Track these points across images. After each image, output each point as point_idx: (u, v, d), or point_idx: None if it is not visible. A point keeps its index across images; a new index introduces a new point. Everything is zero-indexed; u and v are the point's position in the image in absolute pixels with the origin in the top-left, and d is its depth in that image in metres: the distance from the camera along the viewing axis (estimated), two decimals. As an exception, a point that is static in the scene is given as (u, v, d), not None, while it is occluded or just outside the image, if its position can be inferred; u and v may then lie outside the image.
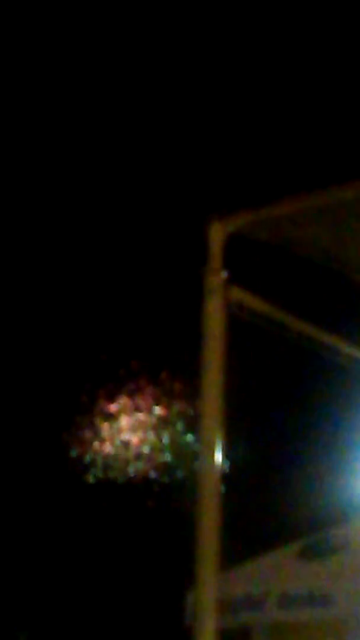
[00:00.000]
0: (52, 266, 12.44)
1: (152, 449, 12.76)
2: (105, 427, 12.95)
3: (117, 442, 12.93)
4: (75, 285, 12.58)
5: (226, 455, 4.09)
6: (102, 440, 12.94)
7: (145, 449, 12.81)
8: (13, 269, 12.36)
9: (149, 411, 12.85)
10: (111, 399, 12.93)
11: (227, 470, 4.05)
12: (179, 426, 12.43)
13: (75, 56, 11.76)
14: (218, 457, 4.05)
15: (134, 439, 12.91)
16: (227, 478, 4.10)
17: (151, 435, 12.82)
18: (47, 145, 12.05)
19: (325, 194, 4.25)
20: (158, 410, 12.79)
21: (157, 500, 12.68)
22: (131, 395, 12.86)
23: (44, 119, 12.00)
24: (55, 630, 12.81)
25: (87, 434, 12.91)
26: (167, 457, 12.57)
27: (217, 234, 4.20)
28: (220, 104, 11.82)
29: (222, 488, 4.07)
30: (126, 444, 12.91)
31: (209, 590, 4.00)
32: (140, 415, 12.90)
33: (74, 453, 12.92)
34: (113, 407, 12.90)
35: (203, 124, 11.83)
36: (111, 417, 12.93)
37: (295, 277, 8.92)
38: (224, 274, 4.16)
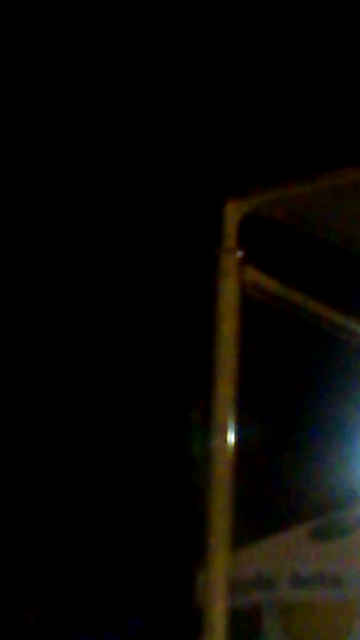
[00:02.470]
0: (62, 246, 12.44)
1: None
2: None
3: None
4: (90, 265, 12.58)
5: (238, 436, 4.09)
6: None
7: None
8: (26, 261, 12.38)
9: (163, 388, 12.85)
10: (124, 380, 12.93)
11: (239, 451, 4.03)
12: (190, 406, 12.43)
13: (87, 37, 11.72)
14: (230, 437, 4.05)
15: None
16: (239, 459, 4.09)
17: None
18: (59, 127, 12.03)
19: (342, 174, 4.22)
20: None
21: (169, 480, 12.70)
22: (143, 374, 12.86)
23: (60, 100, 11.98)
24: (65, 609, 12.87)
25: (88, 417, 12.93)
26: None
27: (232, 214, 4.18)
28: (238, 82, 11.76)
29: (234, 469, 4.07)
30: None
31: (220, 569, 4.00)
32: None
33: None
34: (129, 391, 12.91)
35: (219, 103, 11.78)
36: (122, 403, 12.95)
37: (310, 258, 8.89)
38: (238, 254, 4.14)
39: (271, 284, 4.26)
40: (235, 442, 4.07)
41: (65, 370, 12.90)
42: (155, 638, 12.28)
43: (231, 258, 4.12)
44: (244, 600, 6.39)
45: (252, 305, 4.14)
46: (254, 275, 4.18)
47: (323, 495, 9.79)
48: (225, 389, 4.06)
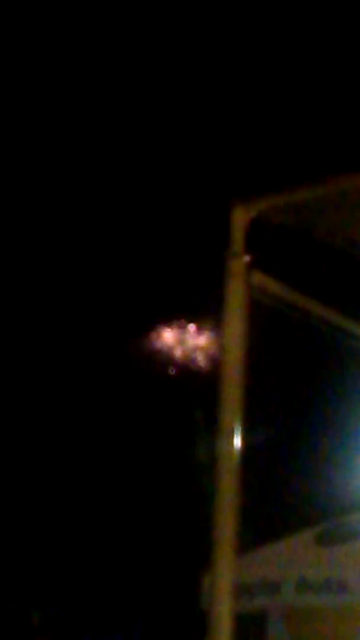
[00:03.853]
0: (73, 249, 12.46)
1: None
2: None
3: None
4: (97, 266, 12.59)
5: (245, 440, 4.09)
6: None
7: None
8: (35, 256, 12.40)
9: (170, 394, 12.86)
10: (129, 384, 12.94)
11: (246, 455, 4.04)
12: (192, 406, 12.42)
13: (91, 42, 11.74)
14: (237, 441, 4.05)
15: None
16: (245, 463, 4.09)
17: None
18: (64, 134, 12.05)
19: (348, 179, 4.23)
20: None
21: (175, 484, 12.70)
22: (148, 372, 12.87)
23: (64, 107, 12.00)
24: (70, 611, 12.87)
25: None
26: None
27: (239, 218, 4.18)
28: (245, 87, 11.77)
29: (240, 474, 4.07)
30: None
31: (225, 574, 4.00)
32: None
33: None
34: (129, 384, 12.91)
35: (227, 107, 11.79)
36: (132, 404, 12.95)
37: (317, 262, 8.89)
38: (246, 258, 4.14)
39: (278, 288, 4.26)
40: (242, 447, 4.08)
41: (67, 373, 12.91)
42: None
43: (238, 262, 4.13)
44: (249, 604, 6.38)
45: (259, 309, 4.15)
46: (260, 279, 4.18)
47: (329, 500, 9.78)
48: (232, 393, 4.07)
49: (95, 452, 12.96)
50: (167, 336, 12.77)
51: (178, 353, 12.72)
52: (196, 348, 12.08)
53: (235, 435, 4.05)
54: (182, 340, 12.56)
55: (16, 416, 12.69)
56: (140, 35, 11.68)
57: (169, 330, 12.70)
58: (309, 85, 11.51)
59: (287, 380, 11.95)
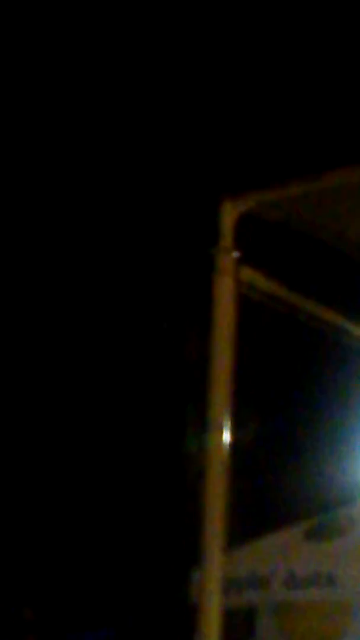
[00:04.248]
0: (55, 242, 12.44)
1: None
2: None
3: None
4: (85, 263, 12.58)
5: (234, 435, 4.10)
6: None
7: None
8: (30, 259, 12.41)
9: (159, 388, 12.87)
10: (122, 377, 12.95)
11: (235, 451, 4.05)
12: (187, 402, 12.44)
13: (82, 33, 11.72)
14: (226, 437, 4.06)
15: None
16: (234, 458, 4.10)
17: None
18: (54, 124, 12.03)
19: (338, 174, 4.24)
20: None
21: (163, 477, 12.72)
22: (141, 375, 12.88)
23: (55, 95, 11.97)
24: (60, 605, 12.88)
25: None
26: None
27: (228, 214, 4.19)
28: (234, 82, 11.77)
29: (229, 468, 4.08)
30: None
31: (214, 569, 4.01)
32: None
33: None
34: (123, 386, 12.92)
35: (215, 102, 11.78)
36: (121, 399, 12.96)
37: (306, 258, 8.90)
38: (234, 254, 4.15)
39: (267, 284, 4.27)
40: (231, 442, 4.09)
41: (60, 366, 12.91)
42: (151, 636, 12.30)
43: (227, 258, 4.13)
44: (238, 599, 6.39)
45: (248, 305, 4.15)
46: (250, 275, 4.19)
47: (318, 495, 9.81)
48: (221, 388, 4.07)
49: (84, 448, 12.96)
50: (154, 330, 12.77)
51: (167, 347, 12.73)
52: (185, 343, 12.10)
53: (224, 430, 4.06)
54: (170, 335, 12.57)
55: (7, 406, 12.68)
56: (129, 25, 11.67)
57: (156, 324, 12.70)
58: (299, 80, 11.51)
59: (275, 375, 11.97)
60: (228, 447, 4.07)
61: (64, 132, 12.07)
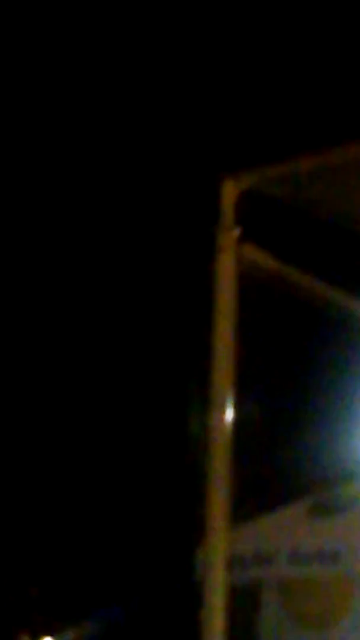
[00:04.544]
0: (62, 233, 12.44)
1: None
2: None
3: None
4: (86, 242, 12.57)
5: (236, 413, 4.10)
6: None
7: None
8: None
9: (161, 367, 12.87)
10: (122, 356, 12.95)
11: (237, 428, 4.06)
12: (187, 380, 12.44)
13: (81, 17, 11.66)
14: (228, 414, 4.06)
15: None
16: (237, 435, 4.10)
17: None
18: (56, 112, 12.00)
19: (339, 150, 4.22)
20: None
21: (167, 455, 12.74)
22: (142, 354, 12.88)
23: (54, 84, 11.94)
24: (66, 585, 12.93)
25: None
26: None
27: (229, 191, 4.17)
28: (233, 58, 11.71)
29: (232, 446, 4.08)
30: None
31: (219, 546, 4.02)
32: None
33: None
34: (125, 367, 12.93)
35: (216, 78, 11.74)
36: (123, 378, 12.97)
37: (308, 236, 8.88)
38: (236, 232, 4.14)
39: (268, 262, 4.26)
40: (233, 420, 4.09)
41: (62, 348, 12.92)
42: (157, 613, 12.35)
43: (228, 236, 4.12)
44: (242, 576, 6.42)
45: (249, 283, 4.15)
46: (251, 252, 4.18)
47: (321, 472, 9.82)
48: (223, 367, 4.07)
49: (87, 428, 12.98)
50: (156, 311, 12.76)
51: (169, 327, 12.73)
52: (187, 321, 12.10)
53: (226, 408, 4.06)
54: (172, 315, 12.56)
55: (11, 395, 12.71)
56: (129, 9, 11.61)
57: (158, 305, 12.69)
58: (300, 55, 11.45)
59: (277, 354, 11.97)
60: (231, 425, 4.07)
61: (62, 112, 12.03)
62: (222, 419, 4.05)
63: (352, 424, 7.81)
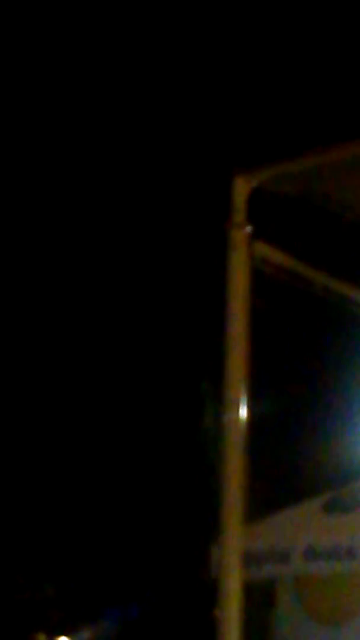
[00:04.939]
0: (76, 229, 12.45)
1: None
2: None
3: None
4: (102, 240, 12.58)
5: (250, 410, 4.10)
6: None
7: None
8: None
9: (175, 364, 12.88)
10: (137, 355, 12.97)
11: (252, 425, 4.06)
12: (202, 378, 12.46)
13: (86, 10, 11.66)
14: (243, 411, 4.06)
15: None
16: (252, 432, 4.11)
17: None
18: (67, 107, 12.01)
19: (350, 147, 4.22)
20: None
21: (182, 453, 12.75)
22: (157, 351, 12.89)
23: (60, 73, 11.94)
24: (81, 584, 12.96)
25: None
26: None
27: (240, 189, 4.18)
28: (244, 57, 11.71)
29: (247, 443, 4.09)
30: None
31: (234, 543, 4.03)
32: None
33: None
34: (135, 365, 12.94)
35: (228, 76, 11.73)
36: (132, 375, 12.98)
37: (320, 232, 8.87)
38: (248, 229, 4.14)
39: (281, 258, 4.26)
40: (248, 417, 4.09)
41: (79, 346, 12.94)
42: (173, 610, 12.37)
43: (240, 233, 4.13)
44: (258, 573, 6.41)
45: (261, 279, 4.15)
46: (263, 249, 4.19)
47: (337, 468, 9.81)
48: (237, 363, 4.08)
49: (103, 425, 13.00)
50: (170, 309, 12.77)
51: (182, 324, 12.73)
52: (200, 318, 12.10)
53: (240, 406, 4.06)
54: (185, 313, 12.57)
55: (19, 391, 12.74)
56: (137, 7, 11.62)
57: (171, 302, 12.70)
58: (310, 53, 11.44)
59: (291, 349, 11.96)
60: (245, 422, 4.08)
61: (74, 111, 12.04)
62: (236, 416, 4.05)
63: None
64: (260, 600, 6.64)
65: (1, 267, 12.32)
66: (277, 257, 4.24)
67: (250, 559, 6.09)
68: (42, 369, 12.91)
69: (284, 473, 11.33)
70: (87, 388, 12.99)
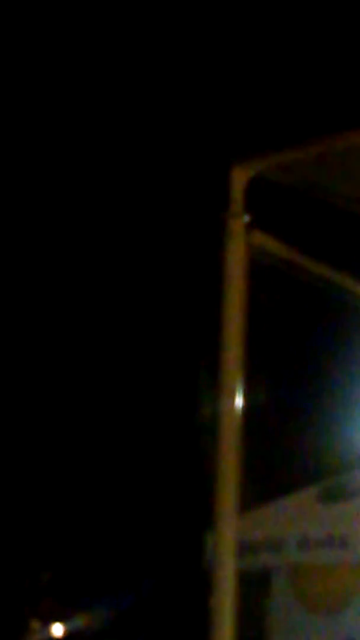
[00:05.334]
0: (67, 211, 12.43)
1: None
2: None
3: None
4: (98, 228, 12.57)
5: (246, 399, 4.10)
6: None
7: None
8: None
9: (171, 353, 12.88)
10: (133, 344, 12.97)
11: (247, 414, 4.07)
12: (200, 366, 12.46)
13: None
14: (238, 400, 4.06)
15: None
16: (246, 421, 4.11)
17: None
18: (69, 100, 11.98)
19: (348, 136, 4.21)
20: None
21: (178, 441, 12.76)
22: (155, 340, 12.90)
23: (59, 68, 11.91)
24: (76, 571, 12.97)
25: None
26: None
27: (238, 178, 4.17)
28: (242, 45, 11.67)
29: (242, 432, 4.08)
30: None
31: (228, 532, 4.03)
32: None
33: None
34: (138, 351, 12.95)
35: (224, 65, 11.70)
36: (128, 363, 12.98)
37: (317, 221, 8.86)
38: (245, 218, 4.13)
39: (278, 248, 4.26)
40: (243, 405, 4.09)
41: (74, 328, 12.94)
42: (167, 599, 12.39)
43: (238, 222, 4.12)
44: (252, 562, 6.43)
45: (259, 270, 4.14)
46: (260, 239, 4.18)
47: (331, 458, 9.83)
48: (233, 352, 4.07)
49: (98, 412, 13.01)
50: (166, 298, 12.76)
51: (178, 313, 12.73)
52: (197, 307, 12.09)
53: (236, 394, 4.06)
54: (182, 302, 12.56)
55: (18, 380, 12.74)
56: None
57: (167, 292, 12.69)
58: (308, 41, 11.41)
59: (287, 339, 11.97)
60: (241, 410, 4.08)
61: (72, 99, 12.01)
62: (231, 405, 4.05)
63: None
64: (254, 589, 6.65)
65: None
66: (275, 247, 4.24)
67: (244, 548, 6.10)
68: (38, 355, 12.92)
69: (279, 462, 11.34)
70: (84, 376, 12.99)
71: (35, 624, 13.11)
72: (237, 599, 4.00)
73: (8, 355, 12.63)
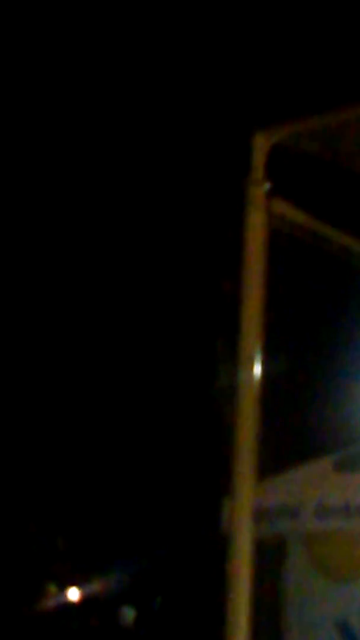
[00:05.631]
0: (84, 195, 12.42)
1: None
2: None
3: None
4: (117, 197, 12.55)
5: (265, 368, 4.11)
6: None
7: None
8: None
9: (191, 322, 12.89)
10: (152, 311, 12.98)
11: (266, 383, 4.08)
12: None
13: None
14: (257, 369, 4.07)
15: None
16: (265, 390, 4.11)
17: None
18: (86, 83, 11.94)
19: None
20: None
21: (196, 409, 12.79)
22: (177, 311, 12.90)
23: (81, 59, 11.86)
24: (92, 536, 13.05)
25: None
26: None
27: (260, 145, 4.15)
28: (264, 11, 11.58)
29: (260, 401, 4.09)
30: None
31: (245, 499, 4.05)
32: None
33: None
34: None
35: (247, 31, 11.62)
36: (148, 331, 12.99)
37: (338, 190, 8.82)
38: (266, 186, 4.12)
39: (299, 216, 4.24)
40: (262, 375, 4.10)
41: (91, 307, 12.96)
42: (183, 566, 12.46)
43: (259, 190, 4.10)
44: (269, 529, 6.45)
45: (279, 237, 4.13)
46: (281, 207, 4.16)
47: (348, 427, 9.83)
48: (252, 321, 4.07)
49: (118, 381, 13.04)
50: (186, 265, 12.75)
51: (198, 281, 12.72)
52: (217, 276, 12.08)
53: (255, 364, 4.06)
54: (201, 269, 12.54)
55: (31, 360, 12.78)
56: None
57: (187, 259, 12.68)
58: (333, 8, 11.31)
59: (307, 309, 11.95)
60: (259, 379, 4.08)
61: (87, 74, 11.96)
62: (250, 374, 4.06)
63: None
64: (270, 556, 6.68)
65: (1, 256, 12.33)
66: (296, 214, 4.22)
67: (261, 515, 6.13)
68: (50, 339, 12.94)
69: (296, 430, 11.36)
70: (105, 345, 13.02)
71: (51, 588, 13.22)
72: (254, 565, 4.03)
73: (10, 345, 12.66)
